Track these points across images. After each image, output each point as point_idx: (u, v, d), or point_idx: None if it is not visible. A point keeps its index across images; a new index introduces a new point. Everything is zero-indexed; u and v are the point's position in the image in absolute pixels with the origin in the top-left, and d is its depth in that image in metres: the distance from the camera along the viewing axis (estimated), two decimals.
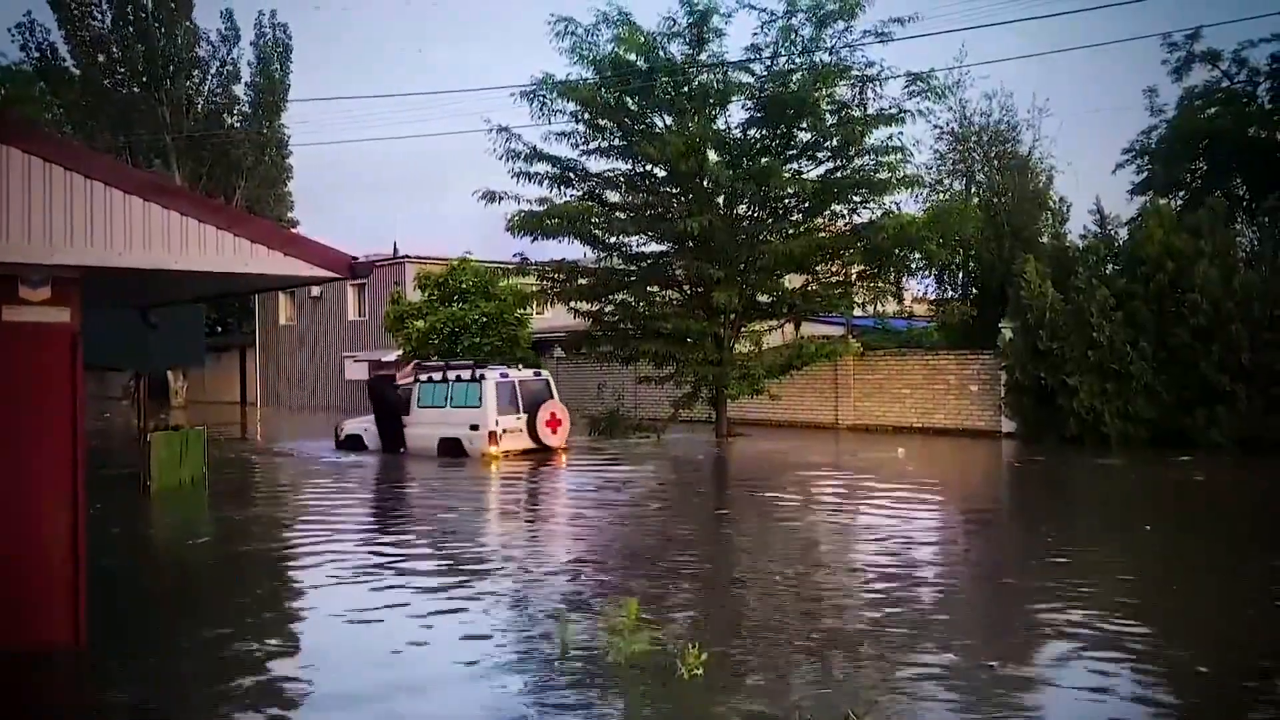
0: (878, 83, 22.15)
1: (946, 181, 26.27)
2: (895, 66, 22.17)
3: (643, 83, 21.90)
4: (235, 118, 43.16)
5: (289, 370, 42.83)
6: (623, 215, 23.80)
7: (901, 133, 21.93)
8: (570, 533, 12.46)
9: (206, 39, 41.76)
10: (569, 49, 22.14)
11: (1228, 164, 27.19)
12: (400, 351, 29.90)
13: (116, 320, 10.33)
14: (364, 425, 21.71)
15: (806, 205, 23.02)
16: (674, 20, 21.93)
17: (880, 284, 24.13)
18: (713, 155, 21.96)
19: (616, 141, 23.04)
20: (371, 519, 14.26)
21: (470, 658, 6.87)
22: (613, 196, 24.21)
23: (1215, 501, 14.80)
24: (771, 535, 12.04)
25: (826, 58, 21.87)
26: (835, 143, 22.43)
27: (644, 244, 24.43)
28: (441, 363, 21.95)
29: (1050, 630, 7.50)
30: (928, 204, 24.49)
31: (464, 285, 28.05)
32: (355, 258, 7.32)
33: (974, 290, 26.21)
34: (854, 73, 22.00)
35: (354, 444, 21.64)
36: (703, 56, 22.30)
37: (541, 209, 22.77)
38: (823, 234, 23.77)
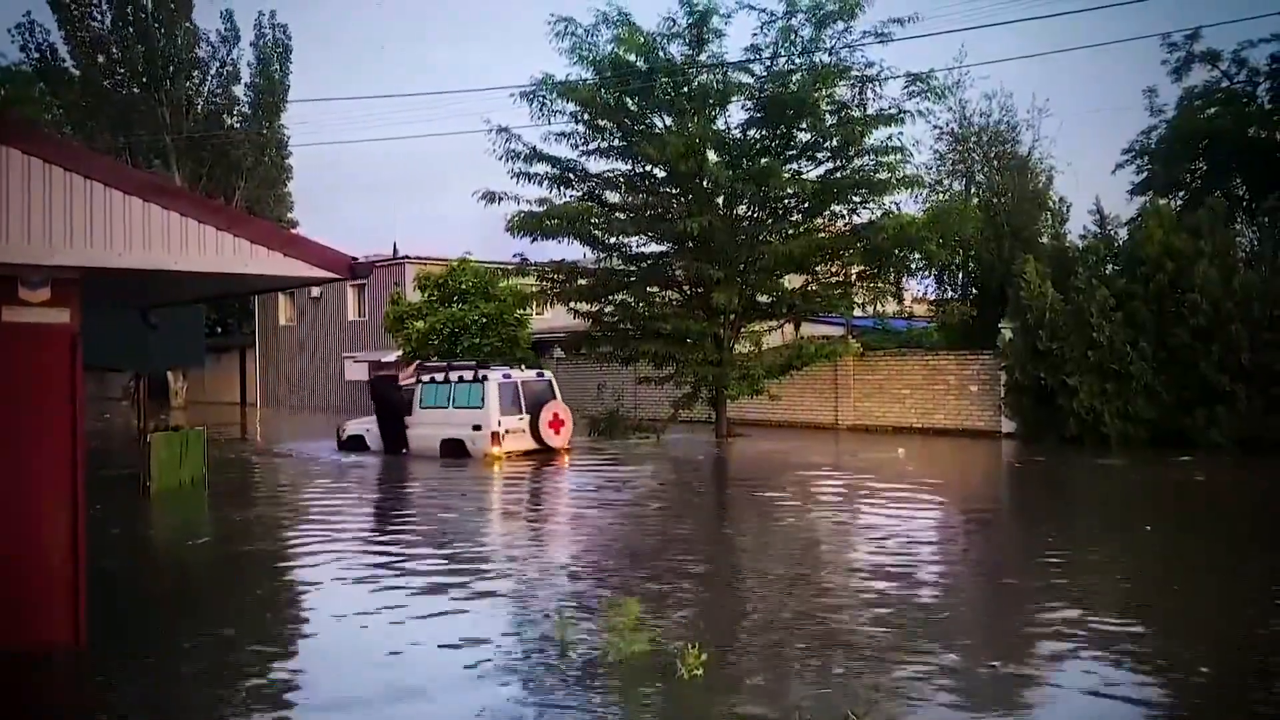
0: (877, 83, 22.18)
1: (946, 182, 26.27)
2: (895, 67, 22.22)
3: (642, 83, 21.90)
4: (235, 118, 43.16)
5: (289, 371, 42.81)
6: (622, 216, 23.80)
7: (901, 133, 21.99)
8: (570, 533, 12.47)
9: (206, 39, 41.86)
10: (569, 49, 22.16)
11: (1227, 164, 27.18)
12: (400, 352, 29.91)
13: (116, 321, 10.31)
14: (366, 426, 21.70)
15: (806, 205, 23.02)
16: (674, 21, 21.96)
17: (880, 284, 24.11)
18: (712, 156, 21.94)
19: (616, 142, 23.05)
20: (372, 520, 14.25)
21: (470, 658, 6.87)
22: (612, 197, 24.20)
23: (1215, 501, 14.80)
24: (771, 535, 12.04)
25: (826, 58, 21.88)
26: (835, 143, 22.44)
27: (644, 244, 24.45)
28: (444, 363, 21.95)
29: (1050, 630, 7.50)
30: (927, 204, 24.47)
31: (464, 286, 28.06)
32: (355, 258, 7.33)
33: (974, 290, 26.19)
34: (854, 73, 22.01)
35: (356, 445, 21.63)
36: (702, 57, 22.30)
37: (541, 209, 22.78)
38: (822, 234, 23.77)
